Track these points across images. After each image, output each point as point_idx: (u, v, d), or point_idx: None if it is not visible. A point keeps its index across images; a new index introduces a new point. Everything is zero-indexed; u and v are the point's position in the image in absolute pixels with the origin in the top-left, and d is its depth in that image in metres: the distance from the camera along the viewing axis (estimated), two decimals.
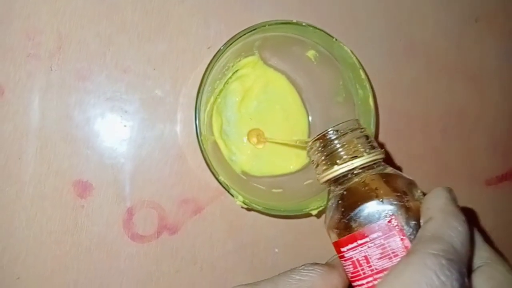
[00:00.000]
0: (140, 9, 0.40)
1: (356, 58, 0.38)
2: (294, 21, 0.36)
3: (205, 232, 0.42)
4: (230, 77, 0.41)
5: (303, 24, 0.36)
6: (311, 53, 0.40)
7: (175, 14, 0.41)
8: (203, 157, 0.34)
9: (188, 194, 0.42)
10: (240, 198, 0.35)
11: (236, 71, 0.41)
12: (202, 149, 0.34)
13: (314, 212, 0.37)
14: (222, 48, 0.34)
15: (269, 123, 0.43)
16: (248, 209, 0.40)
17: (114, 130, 0.40)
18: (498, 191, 0.51)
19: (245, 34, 0.35)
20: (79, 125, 0.39)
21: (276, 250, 0.44)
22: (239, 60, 0.40)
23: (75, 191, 0.39)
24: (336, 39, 0.37)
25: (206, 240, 0.42)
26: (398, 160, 0.47)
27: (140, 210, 0.40)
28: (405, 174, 0.28)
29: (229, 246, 0.43)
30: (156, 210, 0.41)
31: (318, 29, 0.37)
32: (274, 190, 0.41)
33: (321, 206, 0.37)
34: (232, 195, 0.35)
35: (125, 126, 0.40)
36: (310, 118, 0.44)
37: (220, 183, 0.35)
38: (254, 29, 0.35)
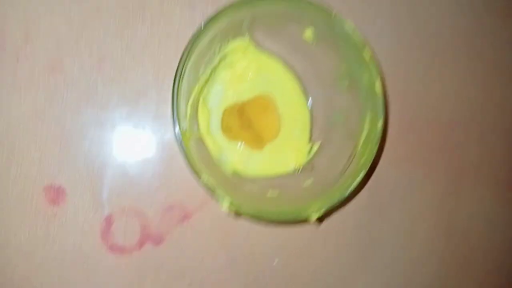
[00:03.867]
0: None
1: (360, 36, 0.33)
2: None
3: (193, 242, 0.37)
4: (218, 64, 0.36)
5: None
6: (308, 32, 0.35)
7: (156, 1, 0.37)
8: (183, 155, 0.30)
9: (174, 200, 0.37)
10: (227, 201, 0.30)
11: (225, 57, 0.36)
12: (182, 146, 0.29)
13: (314, 217, 0.32)
14: (201, 27, 0.30)
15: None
16: (237, 215, 0.35)
17: (89, 129, 0.36)
18: None
19: (228, 10, 0.30)
20: (50, 123, 0.35)
21: (275, 262, 0.39)
22: (227, 43, 0.35)
23: (46, 197, 0.35)
24: (335, 14, 0.32)
25: (195, 251, 0.37)
26: (412, 153, 0.42)
27: (120, 218, 0.36)
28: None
29: (221, 259, 0.38)
30: (138, 218, 0.36)
31: (314, 2, 0.32)
32: (269, 194, 0.35)
33: (320, 211, 0.31)
34: (218, 199, 0.30)
35: (102, 123, 0.36)
36: (310, 106, 0.39)
37: (204, 184, 0.30)
38: (239, 3, 0.30)
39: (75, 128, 0.35)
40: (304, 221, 0.32)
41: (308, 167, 0.38)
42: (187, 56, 0.30)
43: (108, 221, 0.36)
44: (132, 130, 0.36)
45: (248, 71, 0.37)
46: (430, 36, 0.43)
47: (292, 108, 0.39)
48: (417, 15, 0.43)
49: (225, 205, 0.30)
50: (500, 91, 0.44)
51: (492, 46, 0.44)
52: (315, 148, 0.38)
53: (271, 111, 0.38)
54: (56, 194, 0.35)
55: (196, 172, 0.30)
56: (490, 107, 0.44)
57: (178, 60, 0.34)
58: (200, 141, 0.35)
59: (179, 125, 0.29)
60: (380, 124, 0.33)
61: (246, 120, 0.37)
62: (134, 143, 0.36)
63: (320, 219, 0.39)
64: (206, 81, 0.35)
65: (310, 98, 0.39)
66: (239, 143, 0.37)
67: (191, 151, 0.30)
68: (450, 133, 0.43)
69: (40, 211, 0.34)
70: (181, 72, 0.30)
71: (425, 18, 0.43)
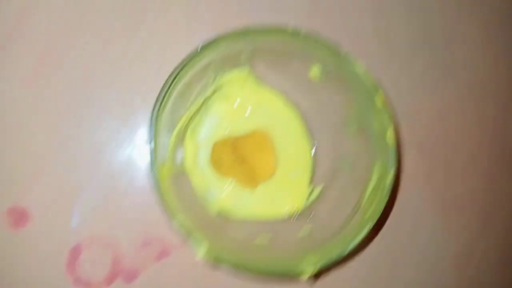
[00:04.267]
0: (107, 9, 0.34)
1: (372, 79, 0.29)
2: (290, 28, 0.28)
3: (171, 282, 0.34)
4: (212, 95, 0.33)
5: (302, 33, 0.28)
6: (315, 71, 0.32)
7: (150, 17, 0.34)
8: (156, 192, 0.26)
9: (153, 233, 0.34)
10: (202, 248, 0.26)
11: (220, 87, 0.33)
12: (155, 181, 0.26)
13: (307, 273, 0.28)
14: (198, 50, 0.27)
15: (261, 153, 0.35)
16: (216, 264, 0.31)
17: (64, 148, 0.33)
18: None
19: (227, 37, 0.27)
20: (18, 140, 0.33)
21: None
22: (223, 73, 0.32)
23: (8, 221, 0.32)
24: (345, 53, 0.29)
25: None
26: (430, 211, 0.37)
27: (90, 248, 0.33)
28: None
29: None
30: (110, 250, 0.33)
31: (321, 40, 0.29)
32: (257, 241, 0.32)
33: (317, 264, 0.27)
34: (192, 244, 0.27)
35: (80, 144, 0.33)
36: (314, 148, 0.35)
37: (177, 228, 0.26)
38: (235, 34, 0.27)
39: (50, 148, 0.33)
40: (295, 277, 0.28)
41: (306, 213, 0.34)
42: (172, 84, 0.27)
43: (76, 251, 0.32)
44: (111, 155, 0.34)
45: (246, 104, 0.34)
46: (451, 80, 0.39)
47: (293, 147, 0.35)
48: (437, 58, 0.39)
49: (201, 252, 0.27)
50: None
51: None
52: (315, 192, 0.35)
53: (268, 150, 0.35)
54: (19, 217, 0.32)
55: (169, 212, 0.26)
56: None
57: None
58: (184, 175, 0.32)
59: (155, 157, 0.26)
60: (390, 176, 0.29)
61: (239, 156, 0.34)
62: (112, 169, 0.33)
63: (315, 277, 0.34)
64: (197, 111, 0.32)
65: (314, 139, 0.35)
66: (229, 180, 0.34)
67: (167, 187, 0.27)
68: (471, 185, 0.38)
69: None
70: (164, 97, 0.27)
71: (446, 63, 0.39)
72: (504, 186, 0.39)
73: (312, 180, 0.35)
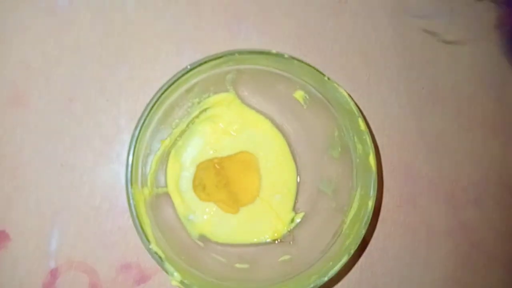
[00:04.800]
0: (98, 28, 0.34)
1: (355, 103, 0.29)
2: (274, 51, 0.28)
3: None
4: (197, 116, 0.33)
5: (286, 56, 0.28)
6: (299, 94, 0.32)
7: (140, 38, 0.34)
8: (131, 217, 0.26)
9: (132, 258, 0.33)
10: (177, 276, 0.26)
11: (206, 109, 0.33)
12: (130, 206, 0.26)
13: None
14: (173, 77, 0.27)
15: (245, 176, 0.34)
16: None
17: (47, 168, 0.33)
18: None
19: (205, 62, 0.27)
20: (3, 159, 0.32)
21: None
22: (208, 96, 0.32)
23: None
24: (328, 78, 0.29)
25: None
26: (415, 235, 0.37)
27: (67, 272, 0.32)
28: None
29: None
30: (88, 275, 0.32)
31: (305, 63, 0.29)
32: (238, 265, 0.31)
33: None
34: (167, 272, 0.26)
35: (62, 165, 0.33)
36: (297, 173, 0.35)
37: (151, 254, 0.26)
38: (219, 57, 0.27)
39: (31, 167, 0.32)
40: None
41: (288, 239, 0.34)
42: (154, 107, 0.27)
43: (53, 275, 0.32)
44: (94, 176, 0.33)
45: (232, 126, 0.34)
46: (442, 106, 0.39)
47: (277, 171, 0.35)
48: (430, 81, 0.39)
49: (175, 282, 0.26)
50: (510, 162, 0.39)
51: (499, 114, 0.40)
52: (298, 218, 0.34)
53: (253, 171, 0.34)
54: None
55: (143, 239, 0.26)
56: (501, 183, 0.39)
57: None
58: (166, 198, 0.32)
59: (132, 182, 0.26)
60: (371, 203, 0.29)
61: (222, 178, 0.33)
62: (94, 191, 0.33)
63: None
64: (181, 133, 0.32)
65: (298, 164, 0.35)
66: (212, 204, 0.33)
67: (143, 211, 0.27)
68: (456, 212, 0.38)
69: None
70: (146, 117, 0.27)
71: (437, 85, 0.39)
72: (491, 211, 0.39)
73: (295, 205, 0.35)
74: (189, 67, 0.27)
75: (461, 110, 0.40)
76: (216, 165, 0.33)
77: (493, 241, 0.38)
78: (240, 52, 0.28)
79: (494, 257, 0.38)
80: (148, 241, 0.26)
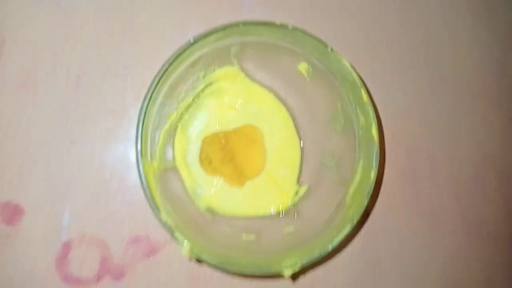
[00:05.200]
0: (102, 5, 0.34)
1: (358, 75, 0.29)
2: (278, 22, 0.29)
3: (158, 280, 0.34)
4: (202, 91, 0.33)
5: (289, 27, 0.29)
6: (303, 67, 0.32)
7: (143, 13, 0.35)
8: (142, 188, 0.27)
9: (141, 231, 0.34)
10: (186, 245, 0.27)
11: (211, 83, 0.33)
12: (141, 178, 0.26)
13: (286, 274, 0.28)
14: (178, 50, 0.27)
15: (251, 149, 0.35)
16: (199, 261, 0.31)
17: (58, 146, 0.33)
18: None
19: (211, 33, 0.27)
20: (15, 136, 0.33)
21: None
22: (213, 70, 0.32)
23: (1, 216, 0.32)
24: (332, 49, 0.29)
25: None
26: (415, 210, 0.37)
27: (79, 246, 0.33)
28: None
29: None
30: (99, 248, 0.33)
31: (309, 34, 0.29)
32: (244, 237, 0.32)
33: (296, 266, 0.28)
34: (177, 241, 0.27)
35: (72, 142, 0.34)
36: (302, 146, 0.36)
37: (162, 223, 0.26)
38: (223, 29, 0.27)
39: (42, 145, 0.33)
40: (279, 273, 0.28)
41: (292, 211, 0.35)
42: (160, 81, 0.27)
43: (65, 248, 0.33)
44: (104, 152, 0.34)
45: (237, 99, 0.34)
46: (446, 86, 0.39)
47: (282, 144, 0.35)
48: (434, 61, 0.39)
49: (185, 250, 0.27)
50: (510, 140, 0.40)
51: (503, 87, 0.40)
52: (302, 191, 0.35)
53: (258, 145, 0.35)
54: (12, 213, 0.32)
55: (154, 208, 0.26)
56: (501, 161, 0.39)
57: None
58: (174, 171, 0.32)
59: (142, 155, 0.26)
60: (373, 174, 0.29)
61: (228, 153, 0.34)
62: (104, 167, 0.34)
63: (299, 273, 0.35)
64: (187, 107, 0.32)
65: (302, 137, 0.35)
66: (218, 177, 0.34)
67: (153, 183, 0.27)
68: (456, 187, 0.38)
69: None
70: (153, 92, 0.27)
71: (442, 65, 0.39)
72: (492, 186, 0.39)
73: (299, 178, 0.35)
74: (192, 40, 0.28)
75: (463, 90, 0.40)
76: (221, 140, 0.34)
77: (493, 217, 0.39)
78: (244, 23, 0.28)
79: (494, 233, 0.38)
80: (159, 210, 0.26)
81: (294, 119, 0.36)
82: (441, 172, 0.38)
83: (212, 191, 0.33)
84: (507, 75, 0.41)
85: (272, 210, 0.34)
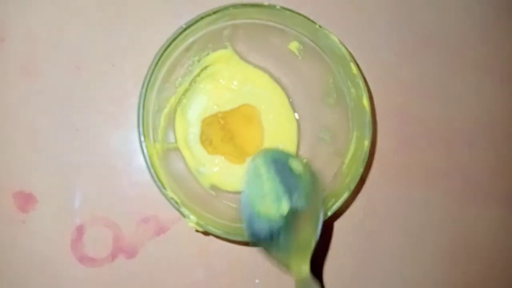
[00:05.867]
0: None
1: (346, 49, 0.31)
2: (266, 3, 0.30)
3: (169, 256, 0.36)
4: (198, 75, 0.34)
5: (277, 7, 0.30)
6: (294, 45, 0.33)
7: (139, 1, 0.36)
8: (147, 168, 0.28)
9: (150, 211, 0.36)
10: (193, 218, 0.28)
11: (206, 67, 0.35)
12: (146, 158, 0.28)
13: None
14: (172, 36, 0.28)
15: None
16: (205, 234, 0.33)
17: (64, 134, 0.35)
18: None
19: (203, 18, 0.29)
20: (22, 127, 0.34)
21: (257, 281, 0.37)
22: (207, 54, 0.34)
23: (15, 204, 0.34)
24: (320, 26, 0.30)
25: (171, 266, 0.36)
26: (411, 176, 0.39)
27: (92, 228, 0.35)
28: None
29: (199, 274, 0.36)
30: (111, 229, 0.35)
31: (297, 13, 0.30)
32: None
33: None
34: (184, 215, 0.28)
35: (77, 130, 0.35)
36: (297, 121, 0.37)
37: (168, 199, 0.28)
38: (214, 13, 0.29)
39: (49, 133, 0.35)
40: None
41: None
42: (157, 66, 0.28)
43: (79, 231, 0.34)
44: (108, 137, 0.35)
45: (232, 81, 0.36)
46: (435, 51, 0.40)
47: (279, 122, 0.37)
48: (423, 27, 0.40)
49: (191, 223, 0.29)
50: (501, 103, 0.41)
51: (508, 59, 0.41)
52: None
53: (256, 124, 0.36)
54: (26, 201, 0.34)
55: (159, 185, 0.28)
56: (493, 123, 0.41)
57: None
58: (177, 152, 0.34)
59: (144, 137, 0.28)
60: (366, 143, 0.31)
61: (227, 132, 0.36)
62: (110, 152, 0.35)
63: None
64: (185, 92, 0.34)
65: (297, 113, 0.37)
66: (219, 157, 0.35)
67: (158, 163, 0.29)
68: (450, 152, 0.40)
69: (7, 218, 0.34)
70: (151, 77, 0.29)
71: (430, 31, 0.40)
72: (484, 150, 0.40)
73: (297, 153, 0.37)
74: (184, 25, 0.29)
75: (453, 54, 0.41)
76: (220, 120, 0.36)
77: (487, 179, 0.40)
78: (234, 6, 0.29)
79: (489, 193, 0.40)
80: (164, 188, 0.28)
81: (289, 96, 0.37)
82: (435, 138, 0.40)
83: (215, 170, 0.35)
84: (497, 40, 0.42)
85: None
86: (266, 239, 0.26)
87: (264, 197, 0.27)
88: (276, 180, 0.27)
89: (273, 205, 0.27)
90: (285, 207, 0.27)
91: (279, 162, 0.28)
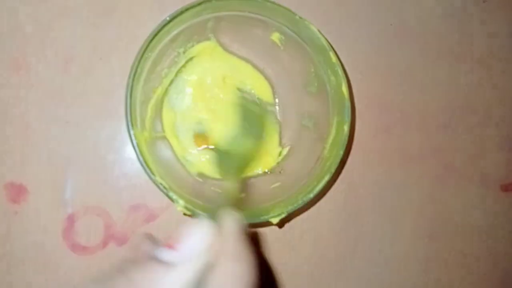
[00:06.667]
0: None
1: (325, 38, 0.32)
2: None
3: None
4: (184, 66, 0.36)
5: None
6: (276, 36, 0.35)
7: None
8: (136, 156, 0.29)
9: (140, 199, 0.37)
10: (181, 202, 0.30)
11: (191, 58, 0.36)
12: (134, 146, 0.29)
13: (274, 221, 0.31)
14: (157, 28, 0.29)
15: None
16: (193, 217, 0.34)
17: (54, 126, 0.36)
18: None
19: (186, 10, 0.30)
20: (12, 120, 0.35)
21: None
22: (192, 46, 0.35)
23: (7, 195, 0.35)
24: (300, 17, 0.32)
25: None
26: (390, 160, 0.41)
27: (83, 217, 0.36)
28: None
29: None
30: (102, 218, 0.36)
31: (278, 4, 0.31)
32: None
33: (282, 213, 0.31)
34: (172, 200, 0.30)
35: (67, 122, 0.36)
36: (281, 111, 0.38)
37: (156, 185, 0.29)
38: (197, 5, 0.30)
39: (39, 126, 0.35)
40: (264, 224, 0.31)
41: (277, 169, 0.38)
42: (142, 58, 0.29)
43: (71, 220, 0.35)
44: (98, 129, 0.36)
45: (217, 72, 0.37)
46: (410, 40, 0.42)
47: (263, 111, 0.38)
48: (398, 18, 0.42)
49: (180, 207, 0.30)
50: (474, 88, 0.43)
51: (478, 47, 0.43)
52: (284, 151, 0.38)
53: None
54: (17, 192, 0.35)
55: (148, 173, 0.29)
56: (467, 108, 0.43)
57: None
58: (166, 141, 0.35)
59: (132, 125, 0.29)
60: (346, 127, 0.32)
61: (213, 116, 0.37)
62: (99, 143, 0.36)
63: (286, 220, 0.38)
64: (171, 83, 0.35)
65: (281, 103, 0.38)
66: (207, 147, 0.37)
67: (146, 150, 0.30)
68: (427, 137, 0.42)
69: (0, 209, 0.34)
70: (137, 68, 0.30)
71: (405, 21, 0.42)
72: (459, 133, 0.42)
73: (281, 141, 0.38)
74: (168, 18, 0.30)
75: (428, 43, 0.43)
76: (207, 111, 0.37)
77: (463, 161, 0.42)
78: None
79: (464, 175, 0.42)
80: (153, 174, 0.29)
81: (272, 87, 0.38)
82: (411, 123, 0.42)
83: (202, 159, 0.36)
84: (471, 27, 0.43)
85: (259, 170, 0.37)
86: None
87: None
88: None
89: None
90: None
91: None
